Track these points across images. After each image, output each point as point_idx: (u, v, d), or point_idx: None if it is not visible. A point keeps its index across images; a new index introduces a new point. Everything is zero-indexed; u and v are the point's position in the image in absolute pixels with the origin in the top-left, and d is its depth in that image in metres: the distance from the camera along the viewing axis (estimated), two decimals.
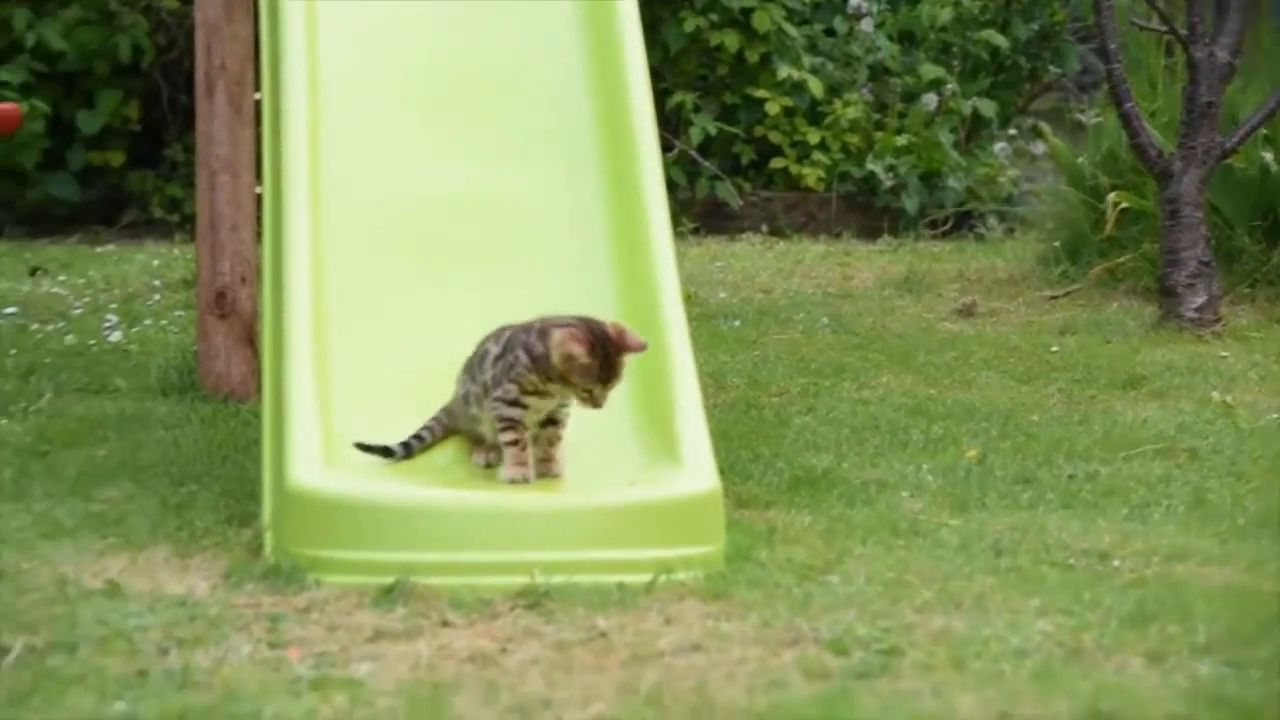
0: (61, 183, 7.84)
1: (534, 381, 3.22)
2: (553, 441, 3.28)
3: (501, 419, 3.24)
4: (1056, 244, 6.74)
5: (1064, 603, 2.98)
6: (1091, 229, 6.60)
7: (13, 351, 5.01)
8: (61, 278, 6.58)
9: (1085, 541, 3.38)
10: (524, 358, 3.22)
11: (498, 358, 3.26)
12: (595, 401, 3.22)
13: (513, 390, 3.23)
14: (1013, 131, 8.89)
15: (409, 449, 3.35)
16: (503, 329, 3.31)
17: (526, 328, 3.26)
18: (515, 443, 3.24)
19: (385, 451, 3.32)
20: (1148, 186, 6.31)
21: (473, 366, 3.33)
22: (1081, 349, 5.45)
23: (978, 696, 2.57)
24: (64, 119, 7.84)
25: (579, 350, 3.16)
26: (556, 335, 3.18)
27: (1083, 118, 7.24)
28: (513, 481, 3.23)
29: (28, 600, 2.91)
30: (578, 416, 3.36)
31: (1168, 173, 5.72)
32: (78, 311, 5.79)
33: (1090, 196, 6.67)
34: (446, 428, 3.39)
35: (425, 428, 3.38)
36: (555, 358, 3.18)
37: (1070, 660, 2.73)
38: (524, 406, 3.24)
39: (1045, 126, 7.20)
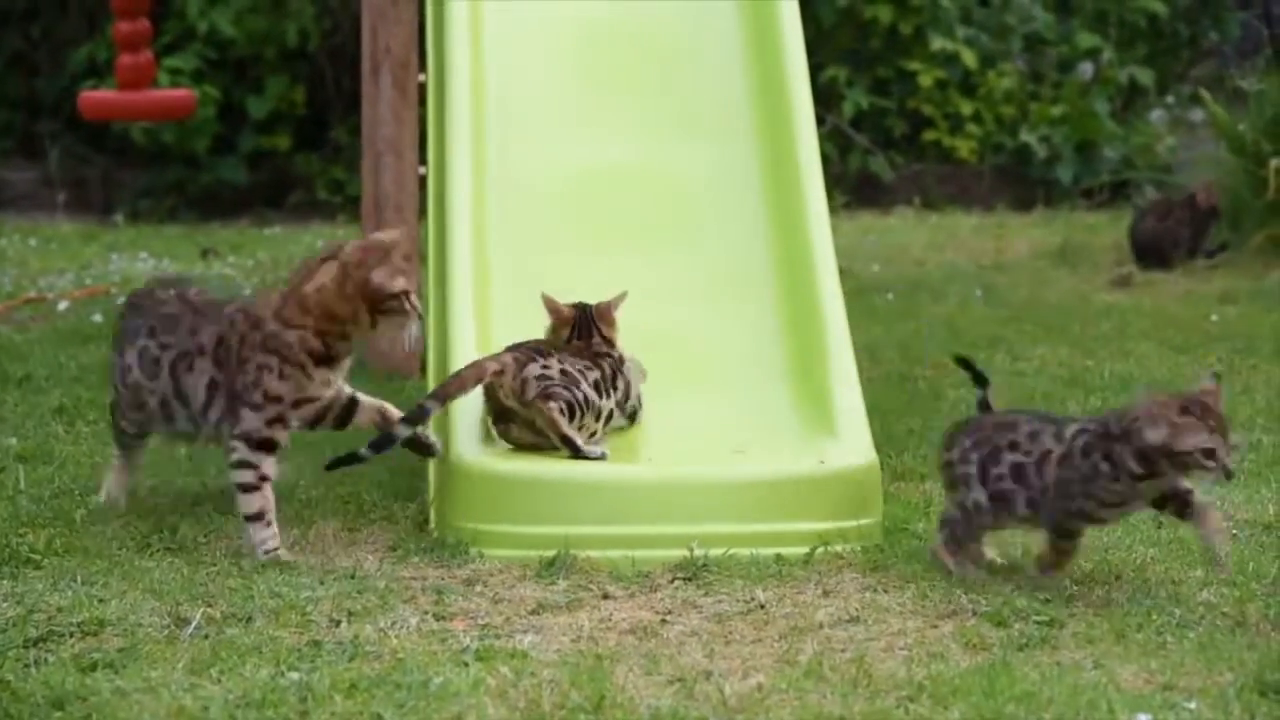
0: (231, 166, 8.01)
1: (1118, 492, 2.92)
2: None
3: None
4: None
5: None
6: (1252, 196, 6.49)
7: None
8: (231, 259, 6.72)
9: (1248, 512, 3.35)
10: (1105, 468, 2.89)
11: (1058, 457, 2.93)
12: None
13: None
14: (1170, 99, 8.74)
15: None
16: None
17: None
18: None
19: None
20: None
21: None
22: (1242, 318, 5.37)
23: (1140, 668, 2.57)
24: (233, 104, 8.00)
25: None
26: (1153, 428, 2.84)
27: (1243, 84, 7.10)
28: None
29: (205, 573, 3.01)
30: (738, 393, 3.39)
31: None
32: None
33: (1251, 163, 6.55)
34: None
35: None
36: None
37: (1235, 632, 2.72)
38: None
39: (1205, 93, 7.06)
